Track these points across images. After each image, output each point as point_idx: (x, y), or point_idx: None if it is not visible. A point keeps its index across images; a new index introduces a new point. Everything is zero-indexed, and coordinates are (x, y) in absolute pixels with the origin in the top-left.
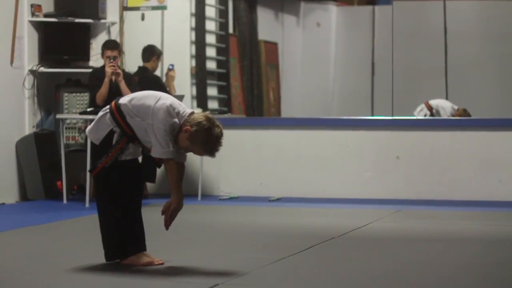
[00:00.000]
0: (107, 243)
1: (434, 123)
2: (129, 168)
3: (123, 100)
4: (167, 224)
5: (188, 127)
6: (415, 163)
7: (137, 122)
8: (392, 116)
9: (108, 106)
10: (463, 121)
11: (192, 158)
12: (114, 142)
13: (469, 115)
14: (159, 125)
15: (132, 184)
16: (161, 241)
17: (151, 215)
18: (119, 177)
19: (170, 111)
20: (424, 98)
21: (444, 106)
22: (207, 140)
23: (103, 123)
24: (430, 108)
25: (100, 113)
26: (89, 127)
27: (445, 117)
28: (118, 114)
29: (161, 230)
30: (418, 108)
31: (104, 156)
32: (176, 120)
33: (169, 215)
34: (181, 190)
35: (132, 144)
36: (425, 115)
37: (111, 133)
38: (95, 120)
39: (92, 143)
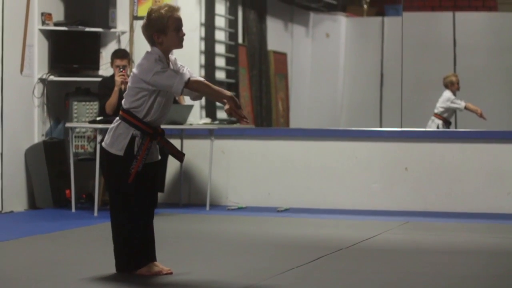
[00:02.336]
0: (119, 254)
1: (443, 135)
2: (145, 178)
3: (123, 104)
4: (243, 116)
5: (155, 37)
6: (423, 175)
7: (144, 92)
8: (401, 127)
9: (117, 118)
10: (472, 133)
11: (201, 168)
12: (138, 145)
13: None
14: (157, 69)
15: (147, 196)
16: (169, 251)
17: (160, 224)
18: (134, 188)
19: (155, 58)
20: (432, 110)
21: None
22: (158, 15)
23: (120, 132)
24: (439, 116)
25: (113, 125)
26: (106, 142)
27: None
28: (129, 115)
29: (170, 240)
30: (429, 122)
31: (134, 160)
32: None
33: (236, 112)
34: (222, 90)
35: (153, 142)
36: (437, 127)
37: (132, 138)
38: (110, 134)
39: (110, 157)
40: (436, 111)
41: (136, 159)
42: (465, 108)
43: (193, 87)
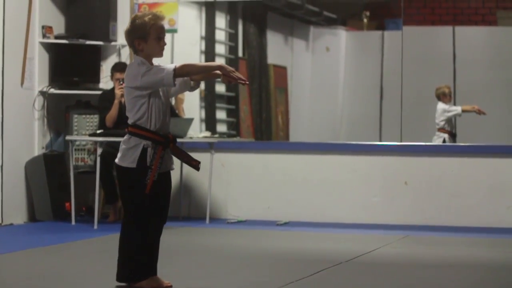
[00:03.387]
0: (123, 265)
1: (443, 149)
2: (159, 189)
3: (129, 120)
4: (239, 78)
5: (136, 43)
6: (423, 189)
7: (141, 100)
8: (401, 141)
9: (126, 135)
10: (471, 148)
11: (201, 181)
12: (151, 155)
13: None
14: (143, 71)
15: (159, 209)
16: (169, 264)
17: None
18: (149, 200)
19: (137, 63)
20: (432, 124)
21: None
22: (141, 22)
23: (131, 146)
24: (443, 130)
25: (123, 142)
26: (118, 158)
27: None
28: (137, 128)
29: (170, 253)
30: (434, 137)
31: (149, 171)
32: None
33: (232, 77)
34: (209, 63)
35: (166, 151)
36: (443, 141)
37: (144, 150)
38: (121, 149)
39: (122, 170)
40: (438, 126)
41: (151, 169)
42: (463, 111)
43: (182, 72)
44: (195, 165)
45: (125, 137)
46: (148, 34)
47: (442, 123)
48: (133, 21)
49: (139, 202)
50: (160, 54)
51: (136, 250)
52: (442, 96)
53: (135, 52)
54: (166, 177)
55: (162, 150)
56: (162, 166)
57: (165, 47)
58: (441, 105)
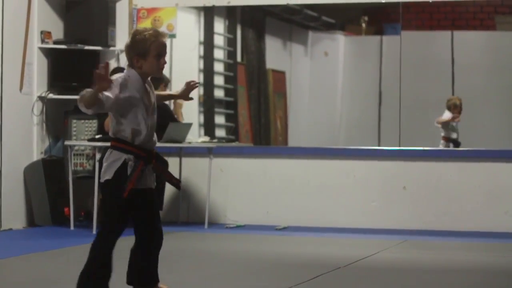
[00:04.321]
0: (83, 274)
1: (441, 154)
2: (137, 206)
3: (110, 133)
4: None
5: (134, 60)
6: (421, 194)
7: (116, 114)
8: (399, 146)
9: (107, 152)
10: (470, 152)
11: (200, 186)
12: (132, 167)
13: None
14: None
15: (141, 225)
16: (167, 269)
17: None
18: (124, 218)
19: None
20: (430, 129)
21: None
22: (141, 38)
23: (113, 159)
24: (446, 138)
25: (104, 159)
26: (101, 176)
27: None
28: (118, 142)
29: (168, 258)
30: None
31: (127, 180)
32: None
33: (103, 79)
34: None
35: (148, 167)
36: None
37: (124, 164)
38: (103, 168)
39: (103, 186)
40: (442, 134)
41: (130, 180)
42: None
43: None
44: (176, 183)
45: (106, 153)
46: (148, 52)
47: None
48: (133, 36)
49: (114, 214)
50: (158, 73)
51: (97, 260)
52: (453, 107)
53: (131, 66)
54: (148, 194)
55: (143, 166)
56: (142, 181)
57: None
58: (447, 114)
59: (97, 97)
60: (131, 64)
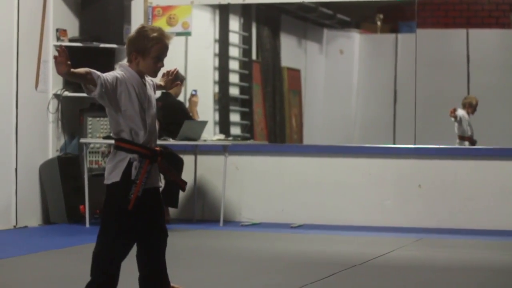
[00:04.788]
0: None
1: (456, 152)
2: (144, 207)
3: (112, 134)
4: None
5: (133, 56)
6: (436, 192)
7: (116, 113)
8: (415, 144)
9: (111, 153)
10: (485, 151)
11: (215, 184)
12: (137, 168)
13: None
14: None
15: (146, 229)
16: (182, 267)
17: (173, 240)
18: (132, 219)
19: (114, 75)
20: (446, 127)
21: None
22: (145, 36)
23: (117, 160)
24: (455, 115)
25: (108, 160)
26: (105, 178)
27: (465, 126)
28: (121, 142)
29: (183, 256)
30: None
31: (133, 185)
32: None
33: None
34: (71, 73)
35: (153, 165)
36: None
37: (129, 164)
38: (107, 169)
39: (108, 188)
40: (458, 133)
41: (135, 184)
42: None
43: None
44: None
45: (110, 154)
46: (148, 51)
47: (460, 113)
48: (138, 32)
49: (119, 219)
50: (153, 75)
51: (107, 266)
52: (468, 106)
53: (129, 61)
54: (153, 193)
55: (149, 164)
56: (148, 181)
57: (179, 49)
58: (463, 113)
59: (86, 76)
60: (128, 59)
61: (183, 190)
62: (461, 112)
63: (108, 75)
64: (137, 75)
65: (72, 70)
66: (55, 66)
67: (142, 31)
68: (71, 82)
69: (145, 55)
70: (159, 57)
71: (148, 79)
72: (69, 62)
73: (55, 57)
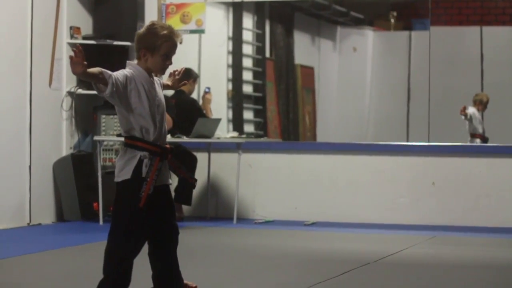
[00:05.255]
0: (105, 280)
1: (470, 149)
2: (154, 205)
3: (122, 132)
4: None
5: (141, 52)
6: (450, 189)
7: (125, 112)
8: (428, 142)
9: (121, 150)
10: (499, 148)
11: (228, 181)
12: (147, 166)
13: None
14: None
15: (156, 226)
16: (195, 264)
17: (187, 238)
18: (142, 217)
19: (124, 74)
20: (459, 125)
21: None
22: (155, 33)
23: (127, 158)
24: (465, 113)
25: (118, 158)
26: (115, 176)
27: (476, 124)
28: (131, 140)
29: (196, 253)
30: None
31: (144, 183)
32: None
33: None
34: (86, 73)
35: (164, 163)
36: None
37: (139, 162)
38: (117, 164)
39: (118, 186)
40: (469, 130)
41: (146, 181)
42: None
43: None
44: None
45: (121, 151)
46: (158, 49)
47: (471, 111)
48: (148, 28)
49: (130, 217)
50: (161, 72)
51: (119, 263)
52: (478, 103)
53: (137, 58)
54: (163, 191)
55: (160, 162)
56: (159, 179)
57: (192, 47)
58: (474, 110)
59: (99, 76)
60: (137, 55)
61: (193, 187)
62: (471, 110)
63: (118, 74)
64: (145, 73)
65: (87, 70)
66: (70, 66)
67: (152, 28)
68: (84, 80)
69: (154, 52)
70: (168, 55)
71: (156, 78)
72: (85, 63)
73: (71, 57)
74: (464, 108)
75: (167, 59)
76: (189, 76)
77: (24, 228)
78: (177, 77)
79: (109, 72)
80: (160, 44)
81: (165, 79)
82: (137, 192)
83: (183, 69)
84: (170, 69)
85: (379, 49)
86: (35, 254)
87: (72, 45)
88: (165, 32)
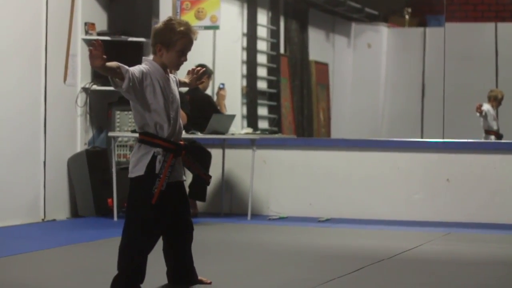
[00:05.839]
0: (120, 275)
1: (485, 146)
2: (168, 201)
3: (136, 128)
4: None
5: (157, 47)
6: (465, 186)
7: (140, 107)
8: (443, 138)
9: (135, 146)
10: None
11: (243, 178)
12: (161, 162)
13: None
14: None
15: (171, 222)
16: (210, 260)
17: (201, 234)
18: (155, 213)
19: (139, 69)
20: (474, 121)
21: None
22: (172, 29)
23: (141, 154)
24: (481, 110)
25: (132, 153)
26: (129, 171)
27: (490, 120)
28: (146, 136)
29: (211, 250)
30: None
31: (157, 179)
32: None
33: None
34: (105, 66)
35: (177, 159)
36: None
37: (153, 158)
38: (131, 160)
39: (132, 182)
40: (483, 127)
41: (159, 178)
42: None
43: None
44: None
45: (135, 147)
46: (174, 45)
47: (486, 108)
48: (165, 24)
49: (143, 212)
50: (176, 68)
51: (134, 258)
52: (493, 99)
53: (153, 53)
54: (177, 187)
55: (173, 158)
56: (172, 175)
57: (207, 43)
58: (488, 107)
59: (116, 70)
60: (153, 50)
61: (208, 183)
62: (486, 106)
63: (135, 69)
64: (161, 69)
65: (106, 64)
66: (89, 59)
67: (169, 23)
68: (99, 75)
69: (170, 48)
70: (183, 51)
71: (171, 75)
72: (104, 56)
73: (90, 50)
74: (480, 106)
75: (182, 56)
76: (203, 72)
77: (38, 224)
78: (195, 75)
79: (126, 67)
80: (176, 40)
81: (183, 76)
82: (150, 188)
83: (202, 70)
84: (185, 66)
85: (393, 46)
86: (49, 250)
87: (87, 41)
88: (182, 28)
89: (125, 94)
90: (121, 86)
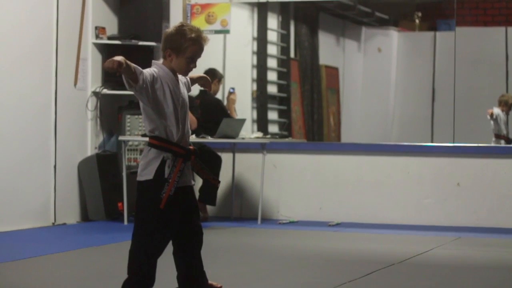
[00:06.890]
0: (129, 280)
1: (495, 150)
2: (176, 206)
3: (146, 132)
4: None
5: (167, 52)
6: (475, 190)
7: (151, 110)
8: (453, 142)
9: (144, 149)
10: None
11: (253, 182)
12: (170, 167)
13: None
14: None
15: (180, 227)
16: (220, 265)
17: (211, 238)
18: (163, 218)
19: (150, 72)
20: (485, 125)
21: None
22: (183, 35)
23: (150, 158)
24: (491, 114)
25: (142, 157)
26: (138, 175)
27: (501, 124)
28: (156, 140)
29: (221, 254)
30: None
31: (166, 184)
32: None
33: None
34: (125, 69)
35: (186, 164)
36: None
37: (162, 162)
38: (140, 166)
39: (140, 186)
40: (494, 131)
41: (168, 182)
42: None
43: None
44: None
45: (144, 150)
46: (184, 51)
47: (496, 112)
48: (176, 29)
49: (152, 217)
50: (184, 74)
51: (142, 263)
52: (503, 104)
53: (163, 58)
54: (186, 192)
55: (182, 163)
56: (181, 180)
57: (217, 47)
58: (498, 111)
59: (131, 70)
60: (163, 54)
61: (216, 188)
62: (496, 111)
63: (147, 72)
64: (170, 73)
65: (127, 62)
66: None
67: (180, 29)
68: (110, 79)
69: (179, 54)
70: (193, 58)
71: (180, 76)
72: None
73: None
74: (491, 112)
75: (191, 62)
76: (214, 76)
77: (49, 227)
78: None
79: (140, 68)
80: (186, 47)
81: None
82: (158, 192)
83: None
84: (194, 71)
85: (404, 50)
86: (59, 253)
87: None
88: (193, 35)
89: (137, 94)
90: (134, 86)
